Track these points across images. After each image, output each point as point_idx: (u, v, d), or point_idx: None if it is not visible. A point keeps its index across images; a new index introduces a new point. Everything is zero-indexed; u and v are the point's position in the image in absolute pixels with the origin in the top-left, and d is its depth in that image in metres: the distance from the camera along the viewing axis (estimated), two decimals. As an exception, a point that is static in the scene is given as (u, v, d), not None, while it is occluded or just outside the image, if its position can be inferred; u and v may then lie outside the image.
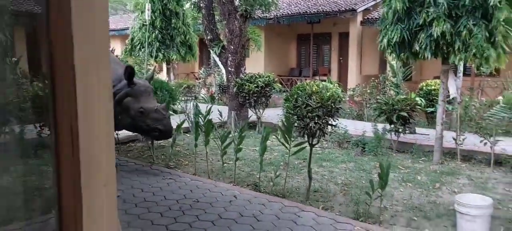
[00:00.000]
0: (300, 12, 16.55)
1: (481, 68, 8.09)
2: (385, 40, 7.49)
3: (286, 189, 5.77)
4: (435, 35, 6.62)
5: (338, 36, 17.64)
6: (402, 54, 7.52)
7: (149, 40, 12.73)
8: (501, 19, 6.42)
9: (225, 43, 11.28)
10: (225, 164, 6.77)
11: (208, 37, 11.52)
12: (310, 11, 16.30)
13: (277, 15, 16.00)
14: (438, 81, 9.24)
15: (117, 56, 12.01)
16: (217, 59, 12.18)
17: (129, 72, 5.71)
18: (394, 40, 7.26)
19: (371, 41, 15.23)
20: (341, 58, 17.68)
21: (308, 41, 18.06)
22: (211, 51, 12.13)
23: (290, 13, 16.77)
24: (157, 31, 13.26)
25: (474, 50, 6.38)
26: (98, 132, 1.46)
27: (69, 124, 1.36)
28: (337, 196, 5.70)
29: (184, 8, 14.19)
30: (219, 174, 6.64)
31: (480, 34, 6.39)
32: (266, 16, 15.47)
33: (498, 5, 6.29)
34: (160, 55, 13.42)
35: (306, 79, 13.19)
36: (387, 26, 7.34)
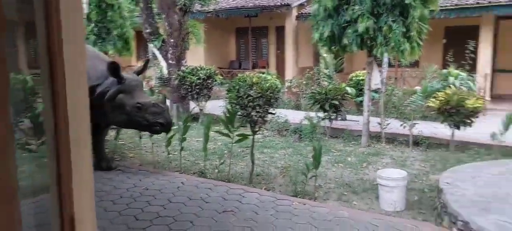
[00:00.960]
0: (237, 6, 16.96)
1: (402, 59, 9.05)
2: (317, 35, 8.14)
3: (231, 175, 6.19)
4: (360, 31, 7.36)
5: (275, 30, 18.30)
6: (333, 47, 8.22)
7: (86, 33, 12.45)
8: (416, 17, 7.30)
9: (165, 36, 11.40)
10: (170, 155, 7.03)
11: (147, 31, 11.56)
12: (247, 6, 16.76)
13: (215, 8, 16.28)
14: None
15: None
16: (157, 52, 12.23)
17: (114, 68, 5.42)
18: (325, 35, 7.92)
19: (306, 35, 16.04)
20: (278, 51, 18.38)
21: (247, 35, 18.53)
22: (150, 44, 12.16)
23: (228, 7, 17.12)
24: (93, 24, 12.98)
25: (392, 44, 7.20)
26: (80, 115, 1.79)
27: (64, 107, 1.69)
28: (277, 178, 6.23)
29: (120, 1, 13.99)
30: (165, 164, 6.90)
31: (398, 30, 7.22)
32: (205, 10, 15.70)
33: (413, 3, 7.14)
34: (97, 49, 13.15)
35: (246, 72, 13.66)
36: (319, 22, 7.98)
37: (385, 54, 9.37)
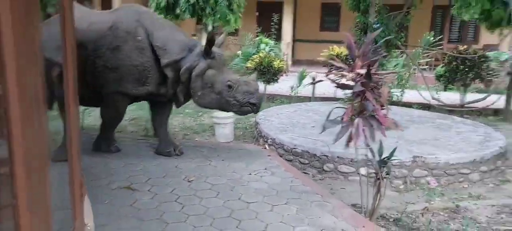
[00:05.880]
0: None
1: (227, 28, 10.81)
2: (153, 4, 9.15)
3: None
4: (192, 1, 8.72)
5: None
6: (169, 15, 9.38)
7: None
8: (236, -7, 9.05)
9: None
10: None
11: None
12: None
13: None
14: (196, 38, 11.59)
15: None
16: None
17: (213, 41, 4.82)
18: (161, 4, 9.00)
19: (143, 3, 16.52)
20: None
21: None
22: None
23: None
24: None
25: (219, 15, 8.81)
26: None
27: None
28: (128, 127, 7.22)
29: None
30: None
31: (223, 3, 8.85)
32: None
33: (233, -18, 8.85)
34: None
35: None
36: (156, -8, 9.02)
37: (211, 23, 11.00)
